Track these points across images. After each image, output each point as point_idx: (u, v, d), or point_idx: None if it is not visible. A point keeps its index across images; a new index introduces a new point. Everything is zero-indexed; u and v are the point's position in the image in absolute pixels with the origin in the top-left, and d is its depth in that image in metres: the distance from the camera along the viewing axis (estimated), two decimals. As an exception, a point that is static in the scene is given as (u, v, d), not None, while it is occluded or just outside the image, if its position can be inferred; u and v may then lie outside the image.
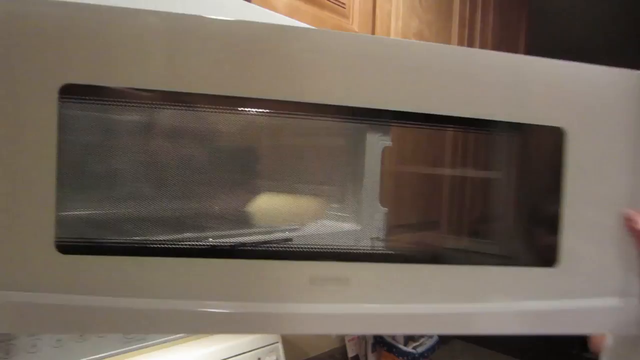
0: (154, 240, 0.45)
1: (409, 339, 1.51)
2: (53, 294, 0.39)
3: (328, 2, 0.85)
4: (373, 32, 0.94)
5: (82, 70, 0.39)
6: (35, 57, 0.39)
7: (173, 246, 0.43)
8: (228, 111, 0.46)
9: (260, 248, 0.45)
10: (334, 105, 0.44)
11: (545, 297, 0.47)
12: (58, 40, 0.39)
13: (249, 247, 0.45)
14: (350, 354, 1.50)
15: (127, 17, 0.40)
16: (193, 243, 0.45)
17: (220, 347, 1.02)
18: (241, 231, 0.50)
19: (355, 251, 0.48)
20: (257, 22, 0.42)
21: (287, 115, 0.46)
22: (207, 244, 0.45)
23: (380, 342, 1.49)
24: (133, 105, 0.43)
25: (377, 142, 0.54)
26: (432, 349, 1.50)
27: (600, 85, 0.48)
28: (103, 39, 0.40)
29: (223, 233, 0.50)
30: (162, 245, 0.43)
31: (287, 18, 0.68)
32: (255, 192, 0.51)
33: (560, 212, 0.47)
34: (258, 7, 0.64)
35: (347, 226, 0.54)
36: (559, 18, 2.12)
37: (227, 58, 0.42)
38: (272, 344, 1.12)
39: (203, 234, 0.48)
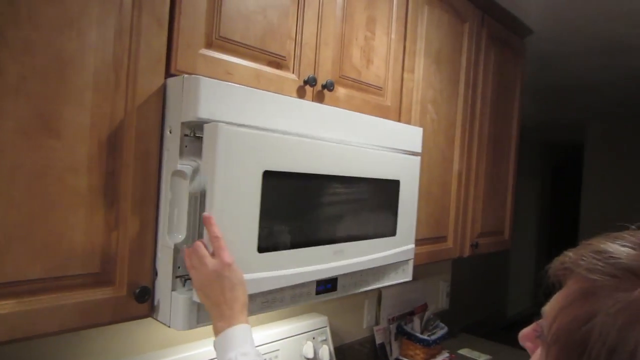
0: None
1: (424, 329, 1.87)
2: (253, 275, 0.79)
3: (371, 88, 1.22)
4: (400, 104, 1.31)
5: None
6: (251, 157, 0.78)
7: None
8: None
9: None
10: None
11: (392, 247, 1.19)
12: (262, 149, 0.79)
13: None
14: (378, 342, 1.85)
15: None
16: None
17: (283, 329, 1.38)
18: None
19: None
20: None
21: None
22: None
23: (402, 332, 1.85)
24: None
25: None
26: (442, 338, 1.86)
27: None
28: (285, 149, 0.79)
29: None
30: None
31: (346, 111, 1.04)
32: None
33: (397, 219, 1.19)
34: (326, 106, 1.01)
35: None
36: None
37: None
38: (322, 327, 1.49)
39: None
